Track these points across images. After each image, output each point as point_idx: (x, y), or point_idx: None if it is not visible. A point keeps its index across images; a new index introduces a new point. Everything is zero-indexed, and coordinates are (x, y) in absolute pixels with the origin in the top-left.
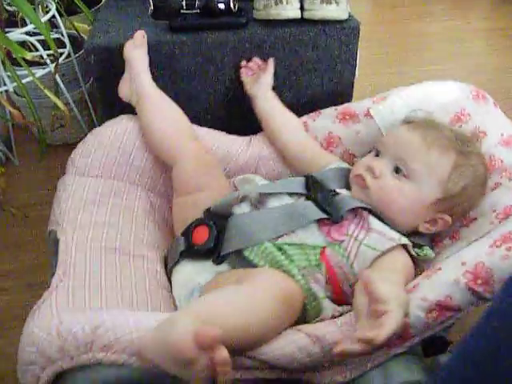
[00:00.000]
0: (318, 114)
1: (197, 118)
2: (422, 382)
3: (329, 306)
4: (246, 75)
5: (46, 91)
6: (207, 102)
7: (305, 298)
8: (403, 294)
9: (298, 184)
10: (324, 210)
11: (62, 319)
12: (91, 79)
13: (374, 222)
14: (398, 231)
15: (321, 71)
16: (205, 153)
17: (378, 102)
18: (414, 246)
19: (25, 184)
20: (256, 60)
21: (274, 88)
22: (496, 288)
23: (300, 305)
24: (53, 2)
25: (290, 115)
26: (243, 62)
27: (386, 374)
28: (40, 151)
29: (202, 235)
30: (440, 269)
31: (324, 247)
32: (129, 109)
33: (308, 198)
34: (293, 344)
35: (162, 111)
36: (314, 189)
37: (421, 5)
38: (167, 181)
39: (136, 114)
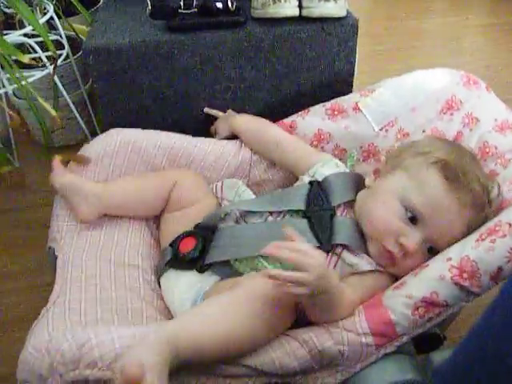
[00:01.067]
0: (307, 111)
1: (195, 118)
2: (414, 382)
3: None
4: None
5: (38, 96)
6: (206, 101)
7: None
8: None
9: (299, 197)
10: (316, 235)
11: (52, 337)
12: (90, 80)
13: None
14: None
15: (320, 69)
16: (192, 173)
17: (365, 95)
18: None
19: (25, 186)
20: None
21: (274, 86)
22: (483, 282)
23: (293, 306)
24: (50, 4)
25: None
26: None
27: (376, 375)
28: (45, 152)
29: (188, 245)
30: (427, 265)
31: None
32: (128, 109)
33: (304, 215)
34: (280, 349)
35: (130, 189)
36: (314, 205)
37: (419, 1)
38: None
39: (127, 124)
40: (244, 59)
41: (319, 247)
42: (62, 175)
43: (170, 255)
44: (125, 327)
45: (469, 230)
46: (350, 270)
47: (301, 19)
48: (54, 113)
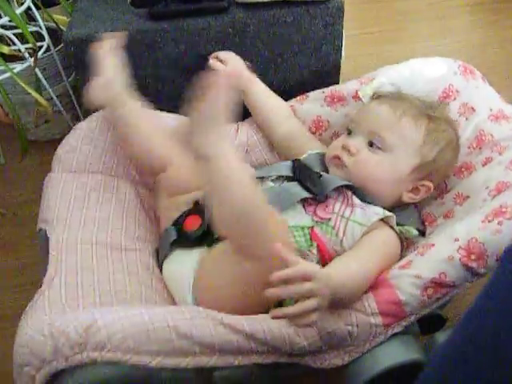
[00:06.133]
0: (306, 97)
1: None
2: (420, 361)
3: None
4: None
5: (27, 87)
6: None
7: None
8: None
9: (284, 167)
10: (309, 190)
11: (54, 320)
12: (73, 73)
13: (358, 199)
14: (383, 207)
15: (306, 53)
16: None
17: (365, 84)
18: (399, 225)
19: (12, 182)
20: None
21: (259, 72)
22: (490, 263)
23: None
24: None
25: (278, 101)
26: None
27: (383, 355)
28: (21, 149)
29: (194, 223)
30: (433, 245)
31: (312, 227)
32: None
33: (293, 179)
34: (292, 327)
35: (144, 121)
36: (300, 171)
37: None
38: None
39: None
40: (229, 45)
41: (314, 198)
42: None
43: (174, 235)
44: (129, 307)
45: (423, 138)
46: (360, 229)
47: (285, 3)
48: (46, 104)
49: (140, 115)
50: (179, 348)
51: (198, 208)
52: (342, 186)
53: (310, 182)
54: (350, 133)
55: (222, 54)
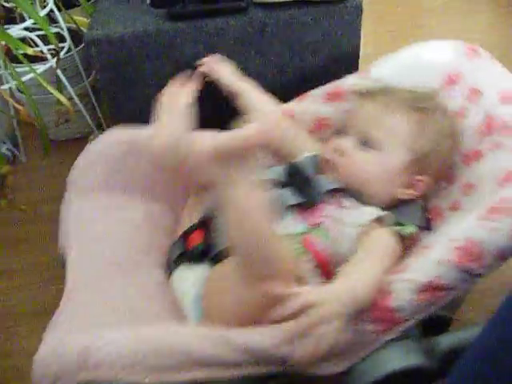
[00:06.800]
0: (305, 96)
1: (199, 106)
2: (421, 366)
3: None
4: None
5: (49, 87)
6: (209, 89)
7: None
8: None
9: (278, 172)
10: (302, 196)
11: (61, 339)
12: (93, 73)
13: (349, 201)
14: (382, 206)
15: (325, 52)
16: None
17: (364, 77)
18: (398, 224)
19: (33, 181)
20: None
21: (278, 71)
22: (488, 262)
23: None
24: None
25: (269, 105)
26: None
27: (384, 361)
28: (44, 149)
29: (196, 239)
30: (427, 247)
31: (305, 233)
32: (132, 100)
33: (286, 185)
34: (284, 338)
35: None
36: (294, 176)
37: None
38: (166, 187)
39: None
40: (248, 45)
41: (307, 202)
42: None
43: (179, 250)
44: (132, 326)
45: (411, 131)
46: (354, 231)
47: (303, 2)
48: (67, 103)
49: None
50: (171, 364)
51: (202, 223)
52: (333, 189)
53: (302, 187)
54: (340, 133)
55: (209, 63)
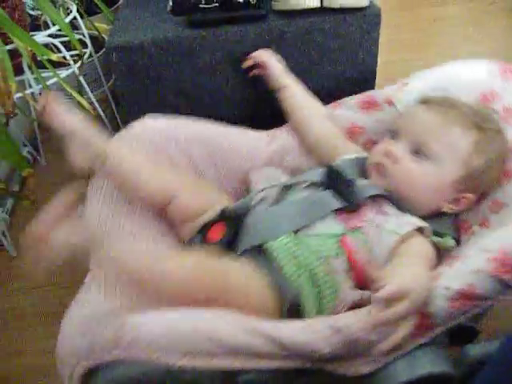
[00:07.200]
0: (339, 103)
1: (219, 113)
2: (446, 374)
3: (349, 293)
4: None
5: (73, 92)
6: (230, 96)
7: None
8: (420, 271)
9: (318, 174)
10: (343, 199)
11: (89, 319)
12: (112, 78)
13: (391, 208)
14: (419, 215)
15: (343, 60)
16: (194, 179)
17: (399, 89)
18: (436, 234)
19: (52, 183)
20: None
21: (297, 78)
22: None
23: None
24: (73, 3)
25: (316, 103)
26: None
27: (410, 366)
28: (64, 152)
29: (217, 233)
30: (463, 256)
31: (343, 234)
32: (151, 106)
33: (327, 187)
34: (315, 334)
35: (137, 162)
36: (334, 178)
37: None
38: None
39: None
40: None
41: (348, 206)
42: (62, 113)
43: (198, 244)
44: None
45: (471, 149)
46: (393, 239)
47: (322, 10)
48: (89, 108)
49: (123, 156)
50: (205, 350)
51: (223, 215)
52: (376, 195)
53: (342, 190)
54: (393, 138)
55: (260, 56)
